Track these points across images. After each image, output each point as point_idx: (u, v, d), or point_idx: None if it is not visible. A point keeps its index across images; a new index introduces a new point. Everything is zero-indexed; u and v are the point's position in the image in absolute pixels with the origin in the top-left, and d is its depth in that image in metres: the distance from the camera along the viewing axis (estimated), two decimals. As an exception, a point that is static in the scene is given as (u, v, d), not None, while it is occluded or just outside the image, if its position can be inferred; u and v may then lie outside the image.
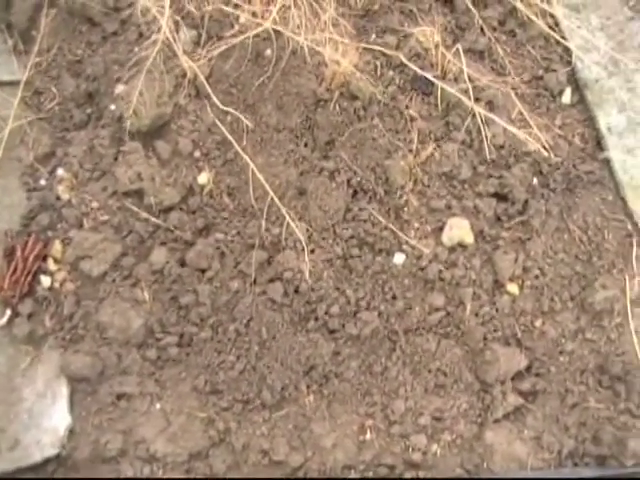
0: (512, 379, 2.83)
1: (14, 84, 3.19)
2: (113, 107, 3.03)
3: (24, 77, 3.21)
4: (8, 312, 2.86)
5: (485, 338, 2.84)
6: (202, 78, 2.93)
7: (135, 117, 2.91)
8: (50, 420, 2.73)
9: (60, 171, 3.01)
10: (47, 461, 2.67)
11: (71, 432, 2.70)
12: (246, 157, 2.83)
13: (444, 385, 2.80)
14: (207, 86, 2.90)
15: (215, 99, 2.88)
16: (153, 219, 2.88)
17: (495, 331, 2.86)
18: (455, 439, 2.75)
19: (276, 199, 2.79)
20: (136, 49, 3.10)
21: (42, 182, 3.03)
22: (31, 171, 3.06)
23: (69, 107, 3.17)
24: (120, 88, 3.05)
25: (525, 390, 2.83)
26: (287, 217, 2.78)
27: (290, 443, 2.68)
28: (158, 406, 2.73)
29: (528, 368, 2.86)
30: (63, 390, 2.78)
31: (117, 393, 2.73)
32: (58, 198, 2.96)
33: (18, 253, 2.87)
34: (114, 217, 2.91)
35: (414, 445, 2.71)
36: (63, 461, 2.67)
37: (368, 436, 2.73)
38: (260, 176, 2.80)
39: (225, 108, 2.89)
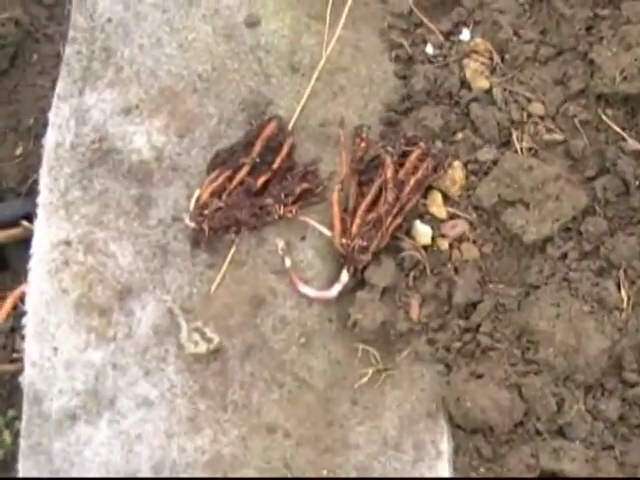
0: None
1: None
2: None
3: None
4: (345, 276, 1.53)
5: None
6: None
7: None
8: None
9: (466, 34, 1.65)
10: None
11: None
12: None
13: None
14: None
15: None
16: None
17: None
18: None
19: None
20: None
21: (429, 50, 1.65)
22: (407, 25, 1.68)
23: None
24: None
25: None
26: None
27: None
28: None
29: None
30: (440, 442, 1.47)
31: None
32: (464, 84, 1.60)
33: (388, 172, 1.52)
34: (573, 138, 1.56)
35: None
36: None
37: None
38: None
39: None
